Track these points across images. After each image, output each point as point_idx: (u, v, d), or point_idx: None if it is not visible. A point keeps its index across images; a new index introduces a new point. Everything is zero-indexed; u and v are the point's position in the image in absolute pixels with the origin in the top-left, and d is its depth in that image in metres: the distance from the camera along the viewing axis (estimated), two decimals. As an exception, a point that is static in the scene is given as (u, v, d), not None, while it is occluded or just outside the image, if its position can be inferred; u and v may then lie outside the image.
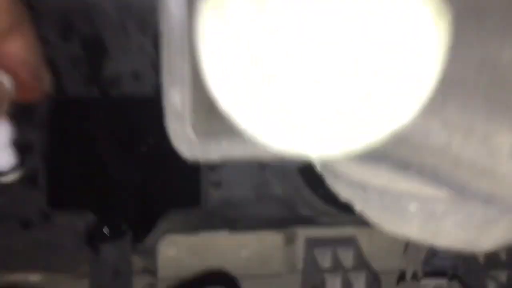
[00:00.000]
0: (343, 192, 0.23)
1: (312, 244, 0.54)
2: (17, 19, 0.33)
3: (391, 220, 0.22)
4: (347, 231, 0.57)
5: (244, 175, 0.64)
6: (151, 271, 0.57)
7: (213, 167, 0.64)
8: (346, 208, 0.63)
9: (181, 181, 0.68)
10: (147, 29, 0.55)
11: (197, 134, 0.24)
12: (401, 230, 0.22)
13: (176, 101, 0.23)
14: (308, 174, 0.65)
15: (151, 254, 0.57)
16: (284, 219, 0.62)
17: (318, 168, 0.24)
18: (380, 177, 0.21)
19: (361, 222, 0.59)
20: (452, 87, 0.19)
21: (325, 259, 0.53)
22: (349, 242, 0.54)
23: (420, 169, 0.17)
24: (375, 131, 0.15)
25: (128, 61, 0.56)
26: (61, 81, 0.55)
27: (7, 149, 0.40)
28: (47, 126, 0.55)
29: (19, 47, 0.34)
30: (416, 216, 0.20)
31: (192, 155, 0.25)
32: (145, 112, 0.56)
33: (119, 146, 0.59)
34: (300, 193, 0.65)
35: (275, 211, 0.64)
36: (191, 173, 0.64)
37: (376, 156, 0.19)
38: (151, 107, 0.55)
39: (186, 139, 0.24)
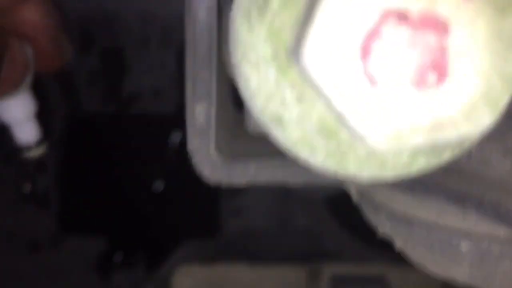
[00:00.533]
0: (383, 226, 0.20)
1: (338, 282, 0.51)
2: None
3: (438, 261, 0.19)
4: (376, 269, 0.54)
5: (266, 203, 0.62)
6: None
7: (233, 194, 0.62)
8: (377, 244, 0.60)
9: (199, 208, 0.66)
10: (171, 43, 0.53)
11: (221, 156, 0.22)
12: (449, 273, 0.19)
13: (200, 117, 0.21)
14: (335, 205, 0.62)
15: (165, 285, 0.54)
16: (308, 253, 0.59)
17: (355, 197, 0.22)
18: (429, 211, 0.18)
19: (393, 259, 0.56)
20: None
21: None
22: (379, 281, 0.51)
23: (478, 203, 0.15)
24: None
25: (149, 77, 0.55)
26: (78, 96, 0.53)
27: (31, 122, 0.41)
28: (62, 144, 0.54)
29: (37, 14, 0.33)
30: (468, 257, 0.17)
31: (216, 178, 0.22)
32: (164, 131, 0.54)
33: (136, 168, 0.57)
34: (326, 225, 0.62)
35: (299, 244, 0.61)
36: (210, 201, 0.61)
37: (427, 185, 0.16)
38: (171, 126, 0.53)
39: (209, 160, 0.22)
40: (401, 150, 0.12)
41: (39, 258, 0.56)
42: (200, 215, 0.65)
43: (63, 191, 0.54)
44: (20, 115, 0.40)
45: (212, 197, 0.61)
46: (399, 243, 0.20)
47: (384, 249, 0.58)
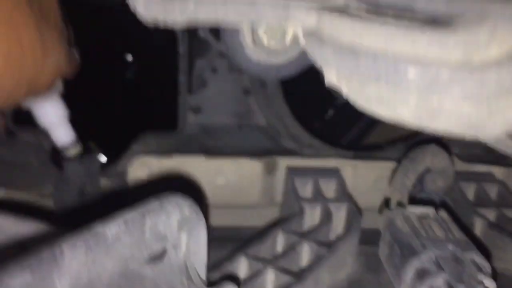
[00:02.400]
0: (330, 62, 0.19)
1: (293, 173, 0.51)
2: None
3: (385, 96, 0.18)
4: (330, 163, 0.54)
5: (226, 101, 0.60)
6: (121, 190, 0.54)
7: (193, 91, 0.60)
8: (331, 142, 0.60)
9: (160, 105, 0.64)
10: None
11: (157, -9, 0.20)
12: (395, 112, 0.18)
13: None
14: (295, 104, 0.61)
15: (121, 175, 0.54)
16: (266, 150, 0.59)
17: (302, 39, 0.20)
18: (377, 37, 0.17)
19: (346, 156, 0.56)
20: None
21: (306, 190, 0.50)
22: (332, 173, 0.51)
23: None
24: None
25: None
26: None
27: (66, 125, 0.46)
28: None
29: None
30: (415, 85, 0.16)
31: (151, 14, 0.20)
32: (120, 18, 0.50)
33: (95, 57, 0.54)
34: (284, 124, 0.61)
35: (257, 141, 0.60)
36: (170, 97, 0.60)
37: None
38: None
39: (143, -5, 0.20)
40: None
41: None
42: (160, 111, 0.64)
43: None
44: (55, 119, 0.45)
45: (172, 94, 0.59)
46: (345, 84, 0.19)
47: (340, 148, 0.58)
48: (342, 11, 0.18)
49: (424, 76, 0.16)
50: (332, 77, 0.20)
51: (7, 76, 0.30)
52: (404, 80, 0.16)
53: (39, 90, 0.35)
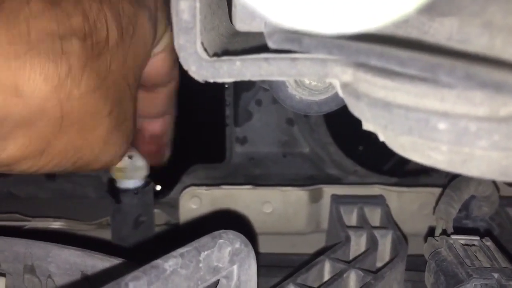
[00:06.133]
0: (365, 115, 0.20)
1: (338, 201, 0.52)
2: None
3: (418, 145, 0.19)
4: (375, 190, 0.55)
5: (270, 132, 0.63)
6: (173, 223, 0.56)
7: (239, 123, 0.62)
8: (376, 169, 0.61)
9: (207, 137, 0.67)
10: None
11: (207, 53, 0.23)
12: (429, 158, 0.20)
13: (184, 14, 0.21)
14: (338, 133, 0.63)
15: (173, 206, 0.56)
16: (311, 177, 0.60)
17: (339, 90, 0.22)
18: (408, 94, 0.18)
19: (391, 182, 0.56)
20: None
21: (351, 218, 0.51)
22: (377, 201, 0.52)
23: (450, 69, 0.15)
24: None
25: None
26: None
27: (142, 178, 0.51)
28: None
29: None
30: (446, 137, 0.18)
31: (202, 74, 0.23)
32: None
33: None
34: (328, 151, 0.63)
35: (302, 169, 0.62)
36: (217, 129, 0.62)
37: (402, 60, 0.16)
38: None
39: (196, 57, 0.22)
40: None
41: (57, 184, 0.59)
42: (208, 143, 0.67)
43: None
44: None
45: (219, 126, 0.62)
46: (381, 133, 0.21)
47: (384, 175, 0.59)
48: (375, 68, 0.19)
49: (454, 129, 0.17)
50: (369, 126, 0.21)
51: (63, 160, 0.34)
52: (435, 132, 0.18)
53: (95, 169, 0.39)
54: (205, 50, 0.23)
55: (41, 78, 0.29)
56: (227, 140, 0.62)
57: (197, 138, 0.63)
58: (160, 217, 0.57)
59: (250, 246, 0.31)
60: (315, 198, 0.56)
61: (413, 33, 0.20)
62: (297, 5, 0.11)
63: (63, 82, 0.30)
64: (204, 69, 0.22)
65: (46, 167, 0.34)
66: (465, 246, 0.38)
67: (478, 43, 0.16)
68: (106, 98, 0.33)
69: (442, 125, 0.17)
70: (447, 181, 0.50)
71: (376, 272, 0.43)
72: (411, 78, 0.18)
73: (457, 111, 0.18)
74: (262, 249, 0.55)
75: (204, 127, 0.65)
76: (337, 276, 0.42)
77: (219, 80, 0.22)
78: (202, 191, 0.54)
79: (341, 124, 0.63)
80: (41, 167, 0.33)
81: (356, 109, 0.21)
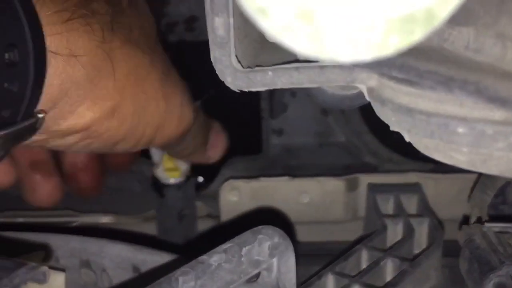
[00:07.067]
0: (389, 119, 0.22)
1: (375, 190, 0.53)
2: None
3: (440, 147, 0.21)
4: (411, 177, 0.56)
5: (305, 122, 0.64)
6: (214, 215, 0.59)
7: (275, 115, 0.64)
8: (412, 155, 0.61)
9: (244, 130, 0.69)
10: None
11: (242, 64, 0.24)
12: (451, 158, 0.21)
13: (219, 29, 0.23)
14: (373, 121, 0.64)
15: (214, 199, 0.59)
16: (347, 166, 0.62)
17: (366, 95, 0.24)
18: (429, 101, 0.20)
19: (427, 169, 0.57)
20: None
21: (387, 206, 0.52)
22: (413, 189, 0.53)
23: (462, 83, 0.16)
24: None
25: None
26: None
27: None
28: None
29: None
30: (465, 140, 0.19)
31: (237, 84, 0.24)
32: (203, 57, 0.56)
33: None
34: (363, 140, 0.63)
35: (338, 158, 0.63)
36: (253, 121, 0.64)
37: (421, 73, 0.18)
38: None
39: (231, 69, 0.24)
40: (374, 28, 0.13)
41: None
42: (245, 136, 0.69)
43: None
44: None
45: (255, 119, 0.64)
46: (406, 135, 0.22)
47: (420, 161, 0.60)
48: (399, 77, 0.21)
49: (472, 132, 0.19)
50: (395, 128, 0.23)
51: (135, 121, 0.36)
52: (455, 136, 0.19)
53: (167, 138, 0.41)
54: (239, 61, 0.24)
55: (86, 37, 0.31)
56: (264, 132, 0.63)
57: (235, 131, 0.65)
58: (201, 210, 0.59)
59: (288, 240, 0.33)
60: (352, 187, 0.57)
61: (434, 40, 0.21)
62: (312, 37, 0.13)
63: (103, 38, 0.32)
64: (239, 79, 0.24)
65: (121, 130, 0.36)
66: (499, 234, 0.39)
67: (491, 53, 0.17)
68: (139, 48, 0.36)
69: (461, 129, 0.19)
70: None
71: (413, 259, 0.44)
72: (431, 85, 0.19)
73: (475, 116, 0.19)
74: (301, 238, 0.57)
75: (241, 120, 0.67)
76: (374, 264, 0.43)
77: (253, 89, 0.24)
78: (241, 183, 0.56)
79: (375, 112, 0.64)
80: (117, 131, 0.35)
81: (382, 113, 0.22)
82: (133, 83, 0.35)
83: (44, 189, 0.48)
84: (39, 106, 0.29)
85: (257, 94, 0.62)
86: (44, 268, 0.30)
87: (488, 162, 0.20)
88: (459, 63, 0.18)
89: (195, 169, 0.58)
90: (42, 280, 0.29)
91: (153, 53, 0.38)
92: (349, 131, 0.64)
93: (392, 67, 0.18)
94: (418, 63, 0.18)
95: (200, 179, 0.63)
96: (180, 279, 0.27)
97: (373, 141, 0.63)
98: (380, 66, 0.18)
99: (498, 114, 0.18)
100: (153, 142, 0.40)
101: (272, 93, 0.63)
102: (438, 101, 0.19)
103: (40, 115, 0.29)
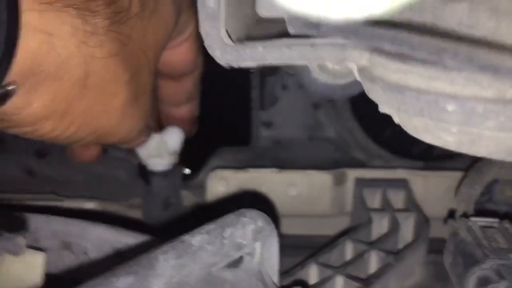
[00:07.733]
0: (381, 97, 0.22)
1: (362, 184, 0.53)
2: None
3: (429, 126, 0.20)
4: (399, 174, 0.55)
5: (295, 116, 0.64)
6: (200, 205, 0.58)
7: (265, 107, 0.64)
8: (401, 153, 0.61)
9: (233, 121, 0.68)
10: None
11: (231, 39, 0.24)
12: (440, 138, 0.21)
13: (210, 1, 0.23)
14: (363, 117, 0.63)
15: (200, 188, 0.58)
16: (336, 161, 0.61)
17: (356, 73, 0.23)
18: (420, 77, 0.19)
19: (416, 166, 0.57)
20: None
21: (374, 200, 0.52)
22: (400, 184, 0.52)
23: (454, 54, 0.16)
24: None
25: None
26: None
27: (174, 155, 0.53)
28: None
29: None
30: (455, 118, 0.19)
31: (226, 59, 0.24)
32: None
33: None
34: (353, 136, 0.63)
35: (327, 153, 0.63)
36: (243, 112, 0.64)
37: (412, 45, 0.17)
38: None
39: (220, 43, 0.24)
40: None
41: (89, 166, 0.61)
42: (234, 127, 0.68)
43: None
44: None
45: (245, 109, 0.63)
46: (395, 115, 0.22)
47: (409, 159, 0.60)
48: (389, 53, 0.20)
49: (461, 110, 0.18)
50: (384, 108, 0.22)
51: (81, 130, 0.36)
52: (445, 113, 0.19)
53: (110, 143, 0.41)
54: (229, 36, 0.24)
55: (69, 30, 0.30)
56: (253, 124, 0.63)
57: (224, 121, 0.65)
58: (188, 199, 0.59)
59: (273, 225, 0.33)
60: (340, 181, 0.57)
61: (428, 18, 0.21)
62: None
63: (88, 39, 0.31)
64: (228, 53, 0.24)
65: (66, 132, 0.34)
66: (484, 228, 0.39)
67: (485, 27, 0.17)
68: (125, 65, 0.35)
69: (450, 107, 0.18)
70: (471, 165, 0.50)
71: (397, 253, 0.44)
72: (423, 61, 0.19)
73: (466, 93, 0.19)
74: (288, 230, 0.56)
75: (230, 109, 0.66)
76: (358, 256, 0.43)
77: (242, 64, 0.24)
78: (228, 174, 0.56)
79: (367, 108, 0.64)
80: (61, 132, 0.34)
81: (372, 92, 0.22)
82: (96, 97, 0.34)
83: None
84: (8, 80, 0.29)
85: (248, 82, 0.61)
86: (20, 239, 0.29)
87: (477, 142, 0.19)
88: (452, 37, 0.18)
89: (182, 158, 0.58)
90: (17, 251, 0.28)
91: (138, 70, 0.37)
92: (339, 126, 0.64)
93: (384, 39, 0.18)
94: (411, 37, 0.18)
95: (187, 171, 0.62)
96: (161, 257, 0.27)
97: (363, 137, 0.63)
98: (372, 38, 0.18)
99: (490, 92, 0.18)
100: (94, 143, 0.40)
101: (263, 83, 0.62)
102: (429, 78, 0.19)
103: (10, 87, 0.29)
